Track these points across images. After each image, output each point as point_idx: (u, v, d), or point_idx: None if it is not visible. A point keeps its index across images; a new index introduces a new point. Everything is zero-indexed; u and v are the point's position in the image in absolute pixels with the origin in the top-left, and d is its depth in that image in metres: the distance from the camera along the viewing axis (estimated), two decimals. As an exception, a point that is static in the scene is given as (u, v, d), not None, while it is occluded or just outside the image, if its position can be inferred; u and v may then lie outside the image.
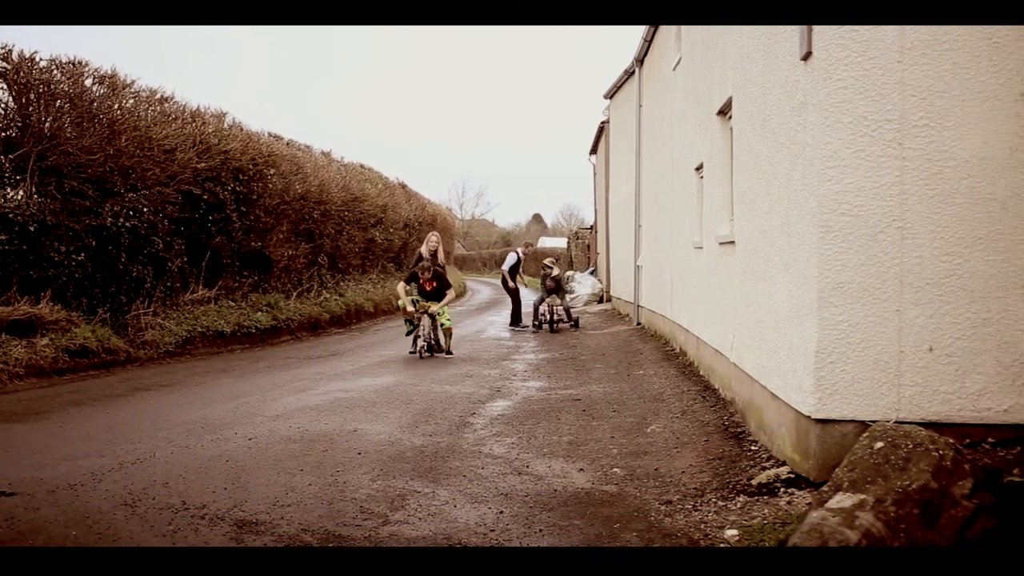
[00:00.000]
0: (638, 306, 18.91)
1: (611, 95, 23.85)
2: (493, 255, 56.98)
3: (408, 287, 14.35)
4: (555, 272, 19.44)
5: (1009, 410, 5.31)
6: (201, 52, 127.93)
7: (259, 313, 16.65)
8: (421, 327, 13.99)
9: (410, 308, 13.97)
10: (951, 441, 4.89)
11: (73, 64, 12.79)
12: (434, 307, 14.03)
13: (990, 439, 5.30)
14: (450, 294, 14.52)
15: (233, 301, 16.39)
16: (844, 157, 5.41)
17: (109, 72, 13.47)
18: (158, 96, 14.86)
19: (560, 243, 50.13)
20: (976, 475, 4.74)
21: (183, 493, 5.76)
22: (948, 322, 5.35)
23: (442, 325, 14.11)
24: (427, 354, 13.85)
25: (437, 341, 14.16)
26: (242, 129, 17.41)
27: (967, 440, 5.25)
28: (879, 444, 4.88)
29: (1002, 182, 5.27)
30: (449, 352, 14.18)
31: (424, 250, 15.45)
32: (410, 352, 14.17)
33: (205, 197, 15.40)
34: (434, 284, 14.35)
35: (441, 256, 15.71)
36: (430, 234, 15.87)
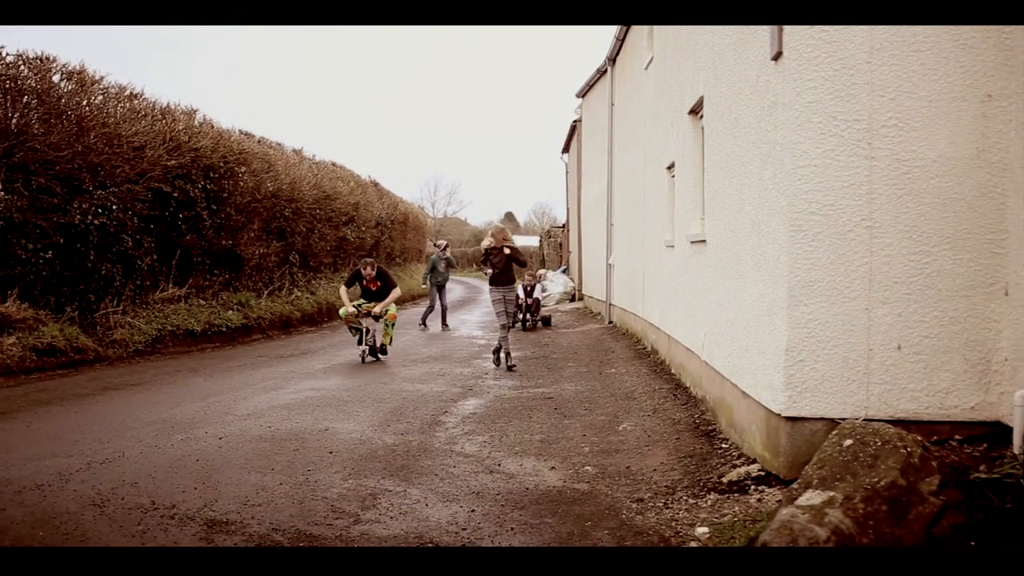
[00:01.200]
0: (610, 304, 18.96)
1: (583, 94, 23.89)
2: (465, 253, 56.96)
3: (350, 289, 13.59)
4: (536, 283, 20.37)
5: (975, 407, 5.37)
6: (172, 49, 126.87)
7: (230, 312, 16.55)
8: (365, 331, 13.31)
9: (351, 310, 13.21)
10: (919, 439, 4.93)
11: (40, 60, 12.64)
12: (377, 308, 13.30)
13: (957, 436, 5.36)
14: (395, 292, 13.57)
15: (204, 300, 16.27)
16: (814, 157, 5.45)
17: (77, 68, 13.33)
18: (127, 93, 14.72)
19: (532, 242, 50.18)
20: (943, 472, 4.78)
21: (152, 493, 5.71)
22: (916, 321, 5.40)
23: (386, 324, 13.51)
24: (370, 358, 13.27)
25: (383, 346, 13.60)
26: (213, 126, 17.28)
27: (935, 437, 5.30)
28: (848, 442, 4.91)
29: (969, 182, 5.33)
30: (384, 352, 13.61)
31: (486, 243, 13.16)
32: (357, 345, 13.77)
33: (175, 195, 15.27)
34: (378, 283, 13.59)
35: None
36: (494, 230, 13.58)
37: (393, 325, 13.73)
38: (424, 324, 19.65)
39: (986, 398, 5.36)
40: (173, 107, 16.11)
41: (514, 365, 12.40)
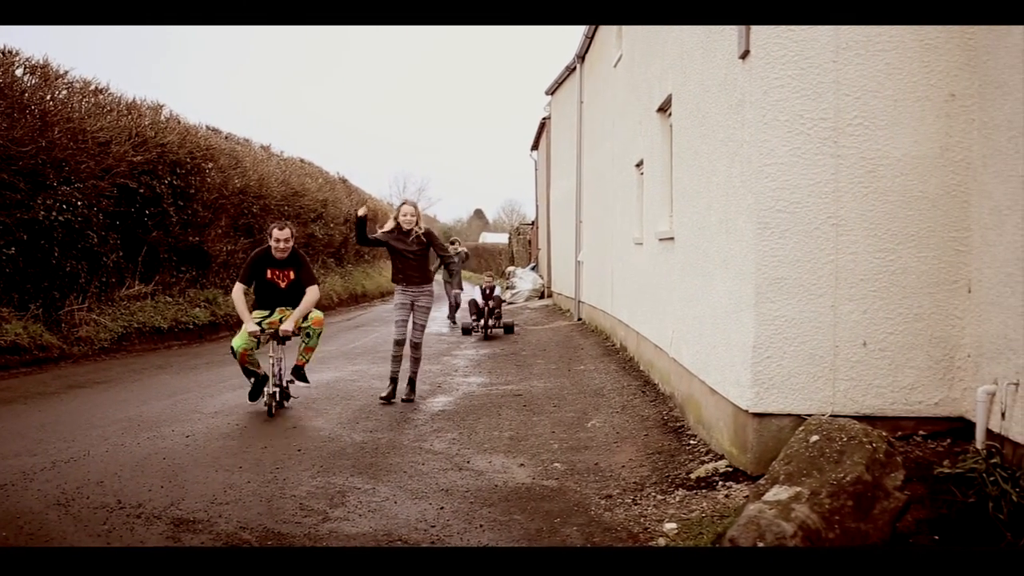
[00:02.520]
0: (579, 302, 19.00)
1: (552, 91, 23.91)
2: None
3: (248, 288, 8.72)
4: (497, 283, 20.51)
5: (939, 403, 5.43)
6: (142, 46, 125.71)
7: (197, 309, 16.42)
8: (271, 361, 8.46)
9: (253, 329, 8.31)
10: (884, 434, 4.98)
11: (3, 53, 12.47)
12: (288, 323, 8.41)
13: (921, 432, 5.42)
14: (312, 293, 8.68)
15: (170, 296, 16.14)
16: (781, 155, 5.49)
17: (41, 62, 13.16)
18: (92, 87, 14.55)
19: (502, 239, 50.19)
20: (908, 467, 4.84)
21: (118, 492, 5.65)
22: (881, 317, 5.46)
23: (307, 334, 8.72)
24: (277, 406, 8.45)
25: (297, 372, 8.94)
26: (179, 122, 17.13)
27: (899, 433, 5.36)
28: (815, 437, 4.95)
29: (933, 181, 5.38)
30: (301, 378, 9.02)
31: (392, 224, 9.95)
32: (250, 400, 8.87)
33: (141, 191, 15.12)
34: (291, 275, 8.77)
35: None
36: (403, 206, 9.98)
37: (318, 335, 8.90)
38: (453, 321, 19.99)
39: (950, 394, 5.42)
40: (139, 102, 15.94)
41: (411, 399, 9.26)
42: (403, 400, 9.26)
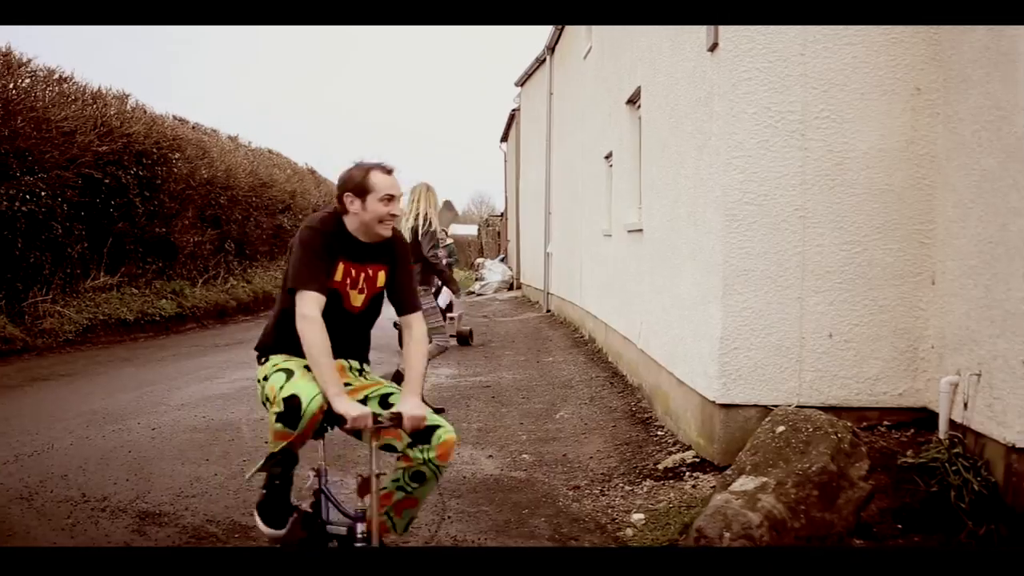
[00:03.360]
0: (548, 293, 19.02)
1: (522, 83, 23.89)
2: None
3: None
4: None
5: (903, 394, 5.49)
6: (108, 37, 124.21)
7: (164, 300, 16.27)
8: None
9: (360, 412, 3.49)
10: (849, 424, 5.03)
11: (-37, 42, 12.27)
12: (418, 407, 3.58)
13: (886, 422, 5.48)
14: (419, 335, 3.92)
15: (136, 288, 15.97)
16: (749, 147, 5.51)
17: (3, 50, 12.97)
18: (56, 76, 14.35)
19: (471, 230, 50.11)
20: (872, 457, 4.89)
21: (83, 485, 5.60)
22: (847, 309, 5.50)
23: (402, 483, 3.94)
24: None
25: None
26: (145, 112, 16.94)
27: (864, 423, 5.41)
28: (781, 428, 4.99)
29: (899, 174, 5.43)
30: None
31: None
32: (265, 523, 4.11)
33: (107, 181, 14.94)
34: (375, 284, 3.86)
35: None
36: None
37: (437, 475, 3.90)
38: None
39: (914, 385, 5.48)
40: (104, 91, 15.75)
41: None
42: None
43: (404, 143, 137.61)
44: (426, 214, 8.20)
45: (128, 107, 16.31)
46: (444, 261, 16.66)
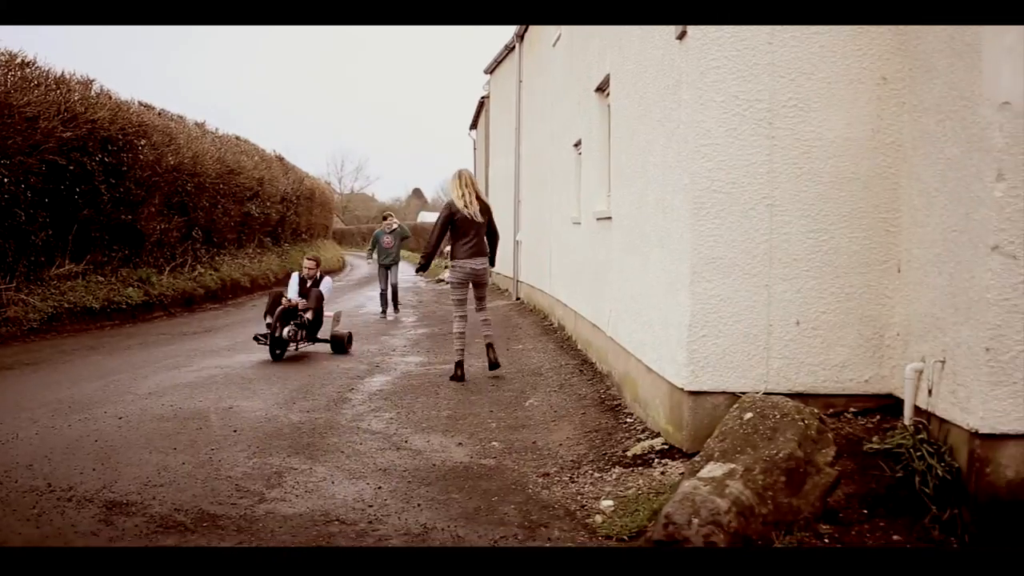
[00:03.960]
0: (517, 281, 19.03)
1: (492, 70, 23.85)
2: (372, 229, 56.54)
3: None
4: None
5: (869, 380, 5.54)
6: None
7: (130, 288, 16.11)
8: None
9: None
10: (816, 411, 5.08)
11: (-76, 25, 12.06)
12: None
13: (852, 408, 5.53)
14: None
15: (103, 276, 15.80)
16: (717, 136, 5.53)
17: (-37, 35, 12.75)
18: (18, 60, 14.13)
19: (440, 218, 50.01)
20: (839, 443, 4.94)
21: (48, 475, 5.54)
22: (814, 297, 5.54)
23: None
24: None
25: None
26: (111, 97, 16.71)
27: (831, 410, 5.46)
28: (748, 415, 5.03)
29: (865, 162, 5.47)
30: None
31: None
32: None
33: (71, 168, 14.73)
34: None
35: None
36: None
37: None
38: (383, 313, 16.72)
39: (879, 371, 5.54)
40: (68, 77, 15.52)
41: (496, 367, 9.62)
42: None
43: (370, 128, 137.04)
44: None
45: (92, 92, 16.08)
46: (393, 245, 16.99)
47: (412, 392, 8.60)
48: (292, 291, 11.40)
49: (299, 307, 11.04)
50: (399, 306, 17.41)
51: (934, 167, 4.93)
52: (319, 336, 11.57)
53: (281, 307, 10.81)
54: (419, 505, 5.09)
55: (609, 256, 8.65)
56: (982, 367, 4.34)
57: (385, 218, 18.25)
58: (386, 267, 16.89)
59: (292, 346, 11.03)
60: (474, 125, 31.81)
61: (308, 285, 11.46)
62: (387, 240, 17.04)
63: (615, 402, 7.80)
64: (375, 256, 17.05)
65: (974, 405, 4.39)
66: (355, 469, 5.83)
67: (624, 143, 7.93)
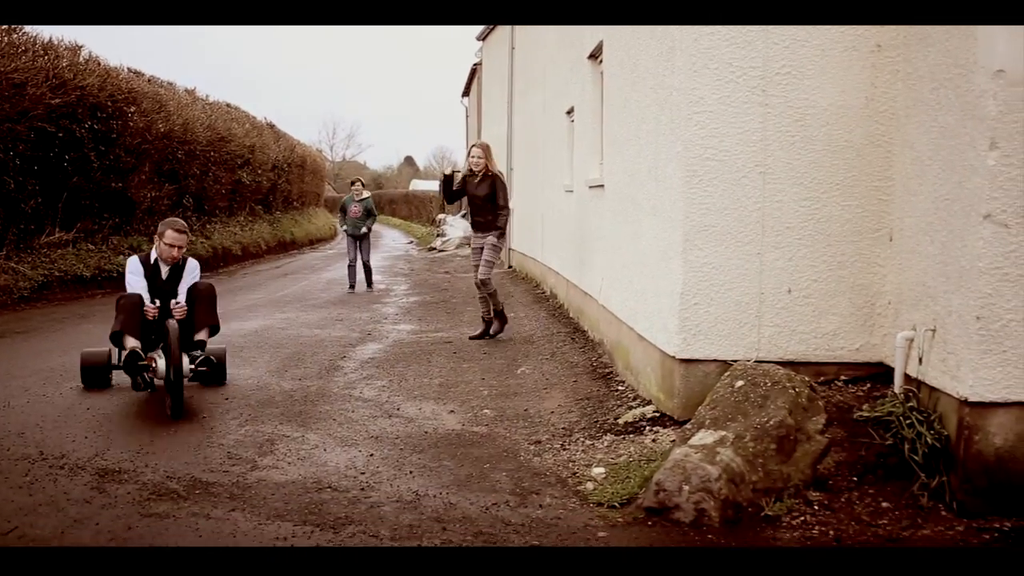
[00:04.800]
0: (509, 249, 19.01)
1: (484, 37, 23.69)
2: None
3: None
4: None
5: (860, 349, 5.56)
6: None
7: (121, 256, 15.99)
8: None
9: None
10: (807, 379, 5.11)
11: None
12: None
13: (842, 377, 5.55)
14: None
15: (93, 244, 15.71)
16: (710, 103, 5.50)
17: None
18: (4, 26, 13.97)
19: (432, 186, 49.87)
20: (829, 411, 4.97)
21: (40, 443, 5.54)
22: (806, 265, 5.54)
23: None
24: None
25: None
26: (99, 64, 16.53)
27: (821, 378, 5.48)
28: (740, 383, 5.05)
29: (858, 130, 5.45)
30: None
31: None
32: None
33: (60, 135, 14.59)
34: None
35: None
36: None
37: None
38: (351, 287, 15.74)
39: (870, 340, 5.55)
40: (56, 43, 15.36)
41: (500, 332, 9.89)
42: (481, 335, 9.83)
43: (363, 96, 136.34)
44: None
45: (81, 59, 15.90)
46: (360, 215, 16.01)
47: (404, 360, 8.61)
48: (138, 286, 6.95)
49: (175, 315, 6.73)
50: (372, 283, 16.07)
51: (928, 135, 4.92)
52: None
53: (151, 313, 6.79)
54: (411, 472, 5.11)
55: (601, 224, 8.63)
56: (972, 336, 4.35)
57: (352, 183, 16.95)
58: (355, 238, 15.82)
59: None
60: (466, 92, 31.68)
61: (164, 277, 7.03)
62: (354, 209, 15.94)
63: (607, 370, 7.81)
64: (346, 225, 15.98)
65: (964, 373, 4.40)
66: (347, 437, 5.84)
67: (617, 110, 7.89)
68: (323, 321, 11.41)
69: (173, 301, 6.85)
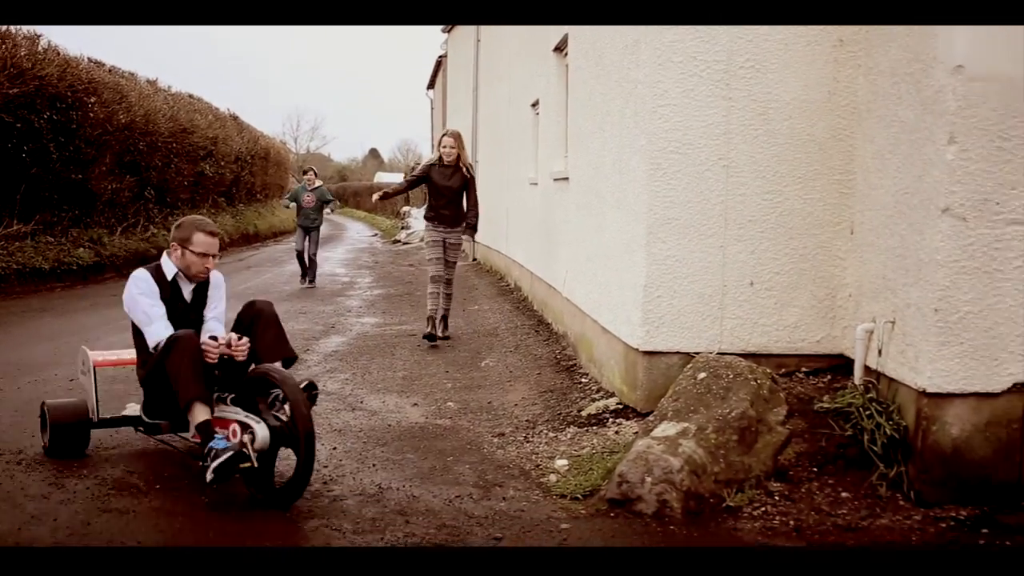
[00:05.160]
0: (474, 242, 18.98)
1: (449, 29, 23.62)
2: (329, 189, 56.21)
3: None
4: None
5: (821, 341, 5.60)
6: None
7: (81, 249, 15.81)
8: None
9: None
10: (768, 371, 5.14)
11: None
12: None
13: (803, 368, 5.60)
14: None
15: (52, 236, 15.45)
16: (674, 96, 5.51)
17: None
18: (-41, 14, 13.72)
19: (397, 178, 49.68)
20: (790, 403, 5.01)
21: (-4, 437, 5.45)
22: (768, 257, 5.58)
23: None
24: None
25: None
26: (59, 53, 16.25)
27: (783, 370, 5.52)
28: (702, 375, 5.08)
29: (820, 124, 5.49)
30: None
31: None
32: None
33: (19, 125, 14.33)
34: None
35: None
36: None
37: None
38: (303, 278, 15.10)
39: (831, 332, 5.60)
40: (14, 32, 15.09)
41: (447, 336, 9.38)
42: (441, 338, 9.20)
43: (327, 88, 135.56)
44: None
45: (40, 48, 15.65)
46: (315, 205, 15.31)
47: (368, 353, 8.57)
48: (155, 315, 4.96)
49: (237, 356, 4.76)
50: (316, 277, 15.25)
51: (888, 130, 4.96)
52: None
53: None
54: (374, 465, 5.09)
55: (566, 217, 8.64)
56: (931, 328, 4.40)
57: (305, 172, 16.21)
58: (305, 229, 15.07)
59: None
60: (431, 85, 31.58)
61: (188, 299, 5.18)
62: (308, 199, 15.25)
63: (570, 362, 7.82)
64: (291, 206, 15.59)
65: (922, 365, 4.45)
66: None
67: (582, 104, 7.90)
68: (286, 314, 11.29)
69: (232, 337, 4.74)
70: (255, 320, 4.98)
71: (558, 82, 9.48)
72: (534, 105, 11.33)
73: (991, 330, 4.40)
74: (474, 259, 18.80)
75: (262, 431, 4.33)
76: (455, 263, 9.56)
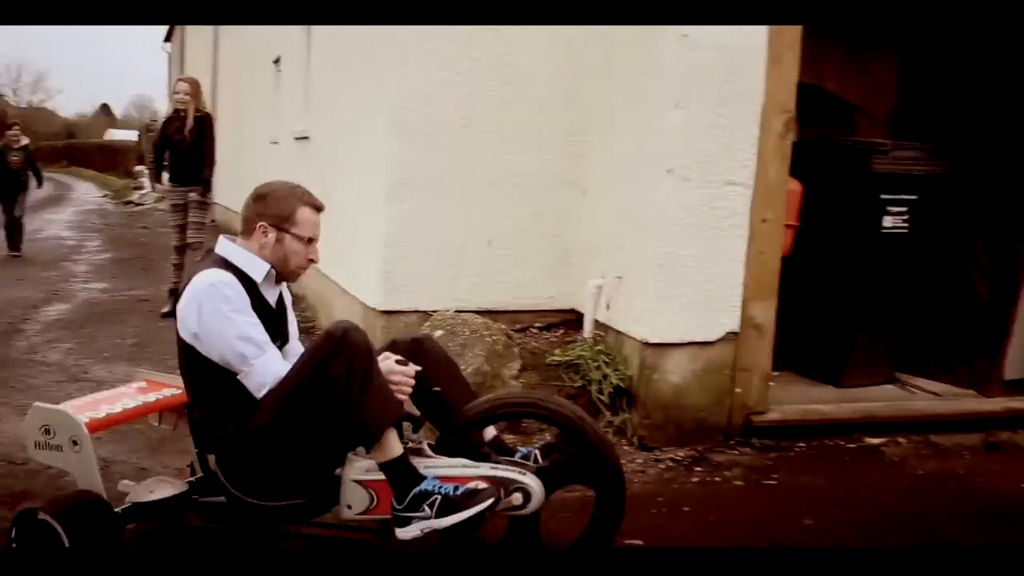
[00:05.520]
0: (214, 203, 18.31)
1: (186, -21, 22.50)
2: (55, 147, 52.36)
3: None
4: None
5: (555, 296, 5.79)
6: None
7: None
8: None
9: None
10: (503, 327, 5.27)
11: None
12: None
13: (537, 324, 5.76)
14: None
15: None
16: (415, 54, 5.47)
17: None
18: None
19: (131, 136, 46.92)
20: (524, 357, 5.16)
21: None
22: (506, 217, 5.68)
23: None
24: None
25: None
26: None
27: (518, 326, 5.66)
28: (439, 332, 5.13)
29: (560, 90, 5.62)
30: None
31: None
32: None
33: None
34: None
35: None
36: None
37: None
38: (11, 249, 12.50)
39: (565, 288, 5.79)
40: None
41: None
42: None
43: (54, 39, 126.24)
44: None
45: None
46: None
47: (95, 321, 8.06)
48: (256, 335, 3.16)
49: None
50: (21, 245, 12.74)
51: (621, 95, 5.17)
52: None
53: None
54: (99, 438, 4.80)
55: (308, 177, 8.44)
56: (655, 282, 4.66)
57: (10, 128, 13.44)
58: (11, 192, 12.63)
59: None
60: (168, 38, 30.00)
61: (275, 308, 3.44)
62: (14, 159, 12.70)
63: (309, 324, 7.68)
64: None
65: (646, 317, 4.71)
66: (27, 405, 5.39)
67: (325, 61, 7.74)
68: (2, 281, 10.47)
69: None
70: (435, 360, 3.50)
71: (300, 38, 9.24)
72: (276, 62, 11.02)
73: (708, 283, 4.72)
74: (213, 221, 18.12)
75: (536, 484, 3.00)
76: (204, 224, 8.53)
